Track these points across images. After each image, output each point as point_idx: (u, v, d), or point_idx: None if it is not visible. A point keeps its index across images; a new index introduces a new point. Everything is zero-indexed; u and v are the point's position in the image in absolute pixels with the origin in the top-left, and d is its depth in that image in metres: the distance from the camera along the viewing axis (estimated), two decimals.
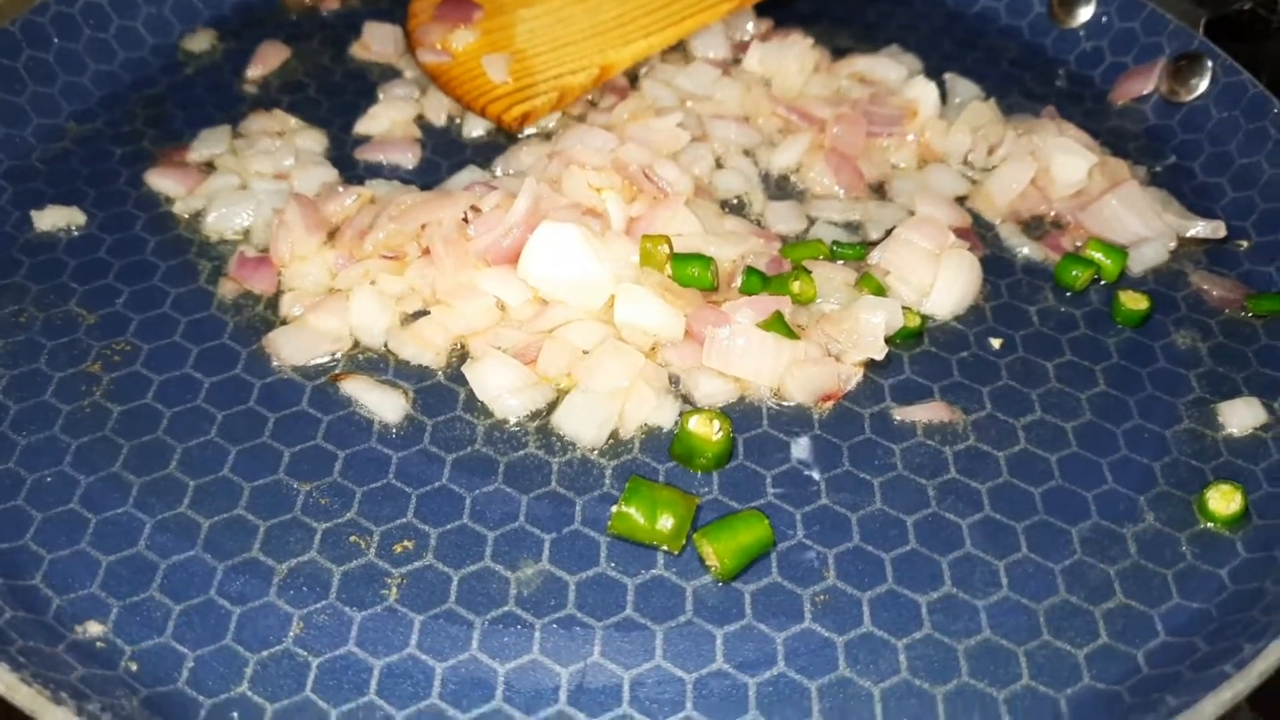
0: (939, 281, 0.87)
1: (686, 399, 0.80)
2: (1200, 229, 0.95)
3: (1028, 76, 1.14)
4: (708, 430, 0.74)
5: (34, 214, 0.91)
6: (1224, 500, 0.74)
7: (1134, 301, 0.88)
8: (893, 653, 0.67)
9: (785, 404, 0.80)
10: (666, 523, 0.70)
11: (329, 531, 0.71)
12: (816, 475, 0.76)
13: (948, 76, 1.11)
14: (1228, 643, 0.65)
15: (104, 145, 1.00)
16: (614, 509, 0.71)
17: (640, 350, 0.80)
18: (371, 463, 0.75)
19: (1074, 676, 0.66)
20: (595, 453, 0.76)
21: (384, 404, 0.78)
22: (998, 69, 1.15)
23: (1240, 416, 0.81)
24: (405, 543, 0.71)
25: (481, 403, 0.79)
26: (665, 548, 0.70)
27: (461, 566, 0.70)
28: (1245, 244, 0.95)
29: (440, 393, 0.80)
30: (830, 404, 0.80)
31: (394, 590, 0.68)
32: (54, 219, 0.91)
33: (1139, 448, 0.79)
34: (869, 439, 0.78)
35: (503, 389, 0.78)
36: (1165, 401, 0.82)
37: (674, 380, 0.81)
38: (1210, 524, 0.74)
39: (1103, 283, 0.91)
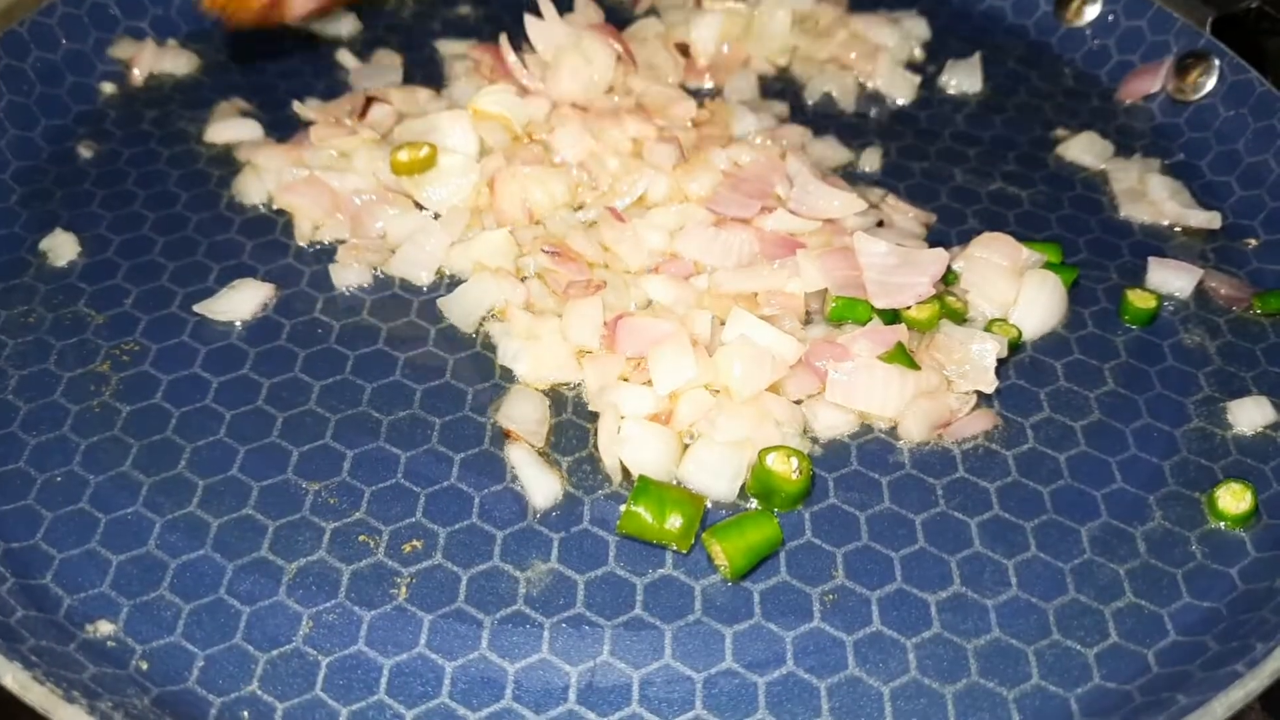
0: (1022, 301, 0.86)
1: (805, 430, 0.78)
2: (1197, 219, 0.96)
3: (1034, 75, 1.14)
4: (786, 468, 0.72)
5: (43, 245, 0.90)
6: (1234, 499, 0.74)
7: (1142, 300, 0.87)
8: (902, 652, 0.67)
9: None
10: (675, 521, 0.69)
11: (338, 531, 0.71)
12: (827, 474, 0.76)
13: (953, 74, 1.12)
14: (1239, 642, 0.65)
15: (112, 146, 1.00)
16: (623, 508, 0.71)
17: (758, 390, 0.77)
18: (380, 462, 0.75)
19: (1084, 676, 0.66)
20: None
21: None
22: (1004, 67, 1.15)
23: (1249, 415, 0.81)
24: (414, 542, 0.71)
25: (488, 404, 0.79)
26: (674, 547, 0.70)
27: (470, 566, 0.70)
28: (1254, 242, 0.95)
29: (448, 393, 0.80)
30: (945, 430, 0.79)
31: (403, 589, 0.68)
32: (62, 246, 0.90)
33: (1148, 447, 0.79)
34: (877, 437, 0.78)
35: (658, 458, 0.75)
36: (1174, 400, 0.82)
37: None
38: (1220, 523, 0.74)
39: (1114, 282, 0.91)
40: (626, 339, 0.79)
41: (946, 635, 0.67)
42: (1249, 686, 0.60)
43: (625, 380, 0.78)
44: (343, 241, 0.91)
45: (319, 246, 0.91)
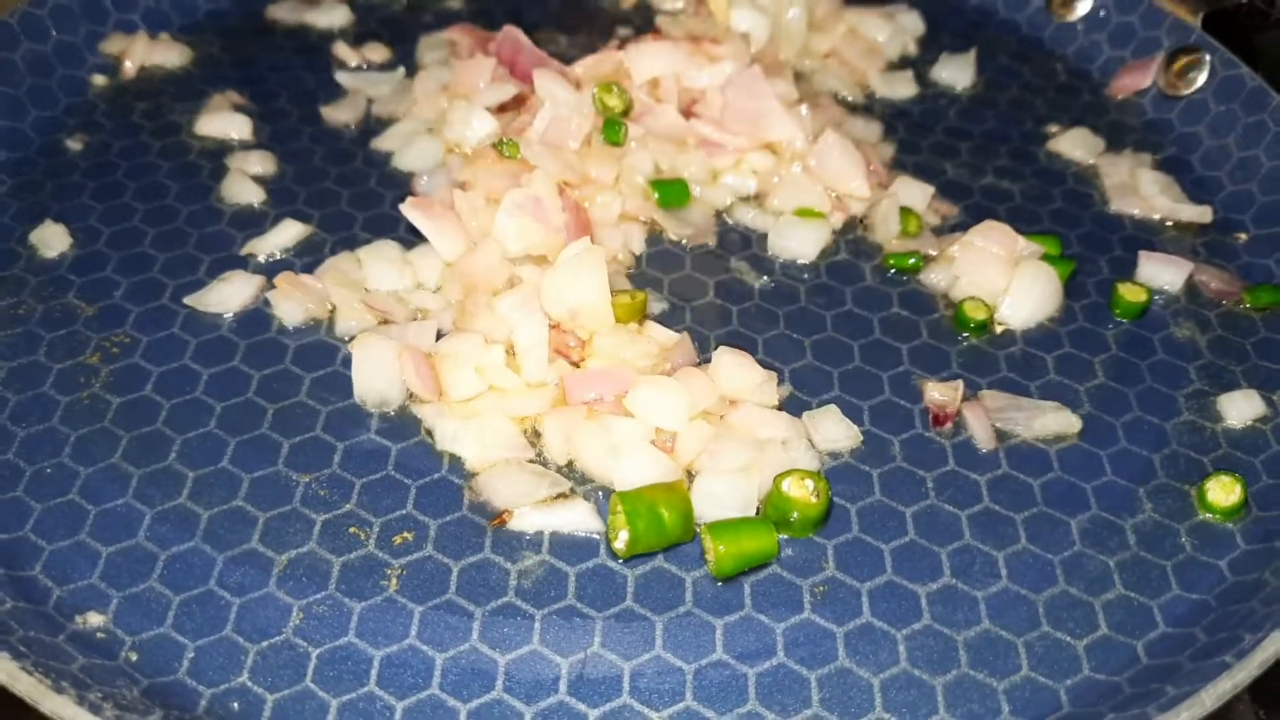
0: (1015, 291, 0.86)
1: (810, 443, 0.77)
2: (1188, 213, 0.96)
3: (1026, 70, 1.14)
4: (804, 492, 0.70)
5: (32, 237, 0.89)
6: (1223, 492, 0.74)
7: (1133, 294, 0.88)
8: (892, 643, 0.67)
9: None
10: (673, 519, 0.69)
11: (328, 523, 0.71)
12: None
13: (945, 69, 1.12)
14: (1227, 633, 0.65)
15: (103, 138, 1.00)
16: (620, 537, 0.69)
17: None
18: (370, 454, 0.75)
19: (1074, 667, 0.66)
20: None
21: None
22: (996, 63, 1.15)
23: (1239, 408, 0.81)
24: (404, 534, 0.71)
25: None
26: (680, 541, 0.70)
27: (461, 558, 0.69)
28: (1244, 236, 0.96)
29: None
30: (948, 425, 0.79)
31: (393, 581, 0.68)
32: (52, 238, 0.89)
33: (1138, 440, 0.79)
34: (868, 430, 0.78)
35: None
36: (1164, 394, 0.82)
37: None
38: (1209, 515, 0.74)
39: (1104, 276, 0.92)
40: (578, 389, 0.76)
41: (937, 627, 0.67)
42: (1237, 677, 0.60)
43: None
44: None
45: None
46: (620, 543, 0.69)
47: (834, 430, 0.77)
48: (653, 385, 0.75)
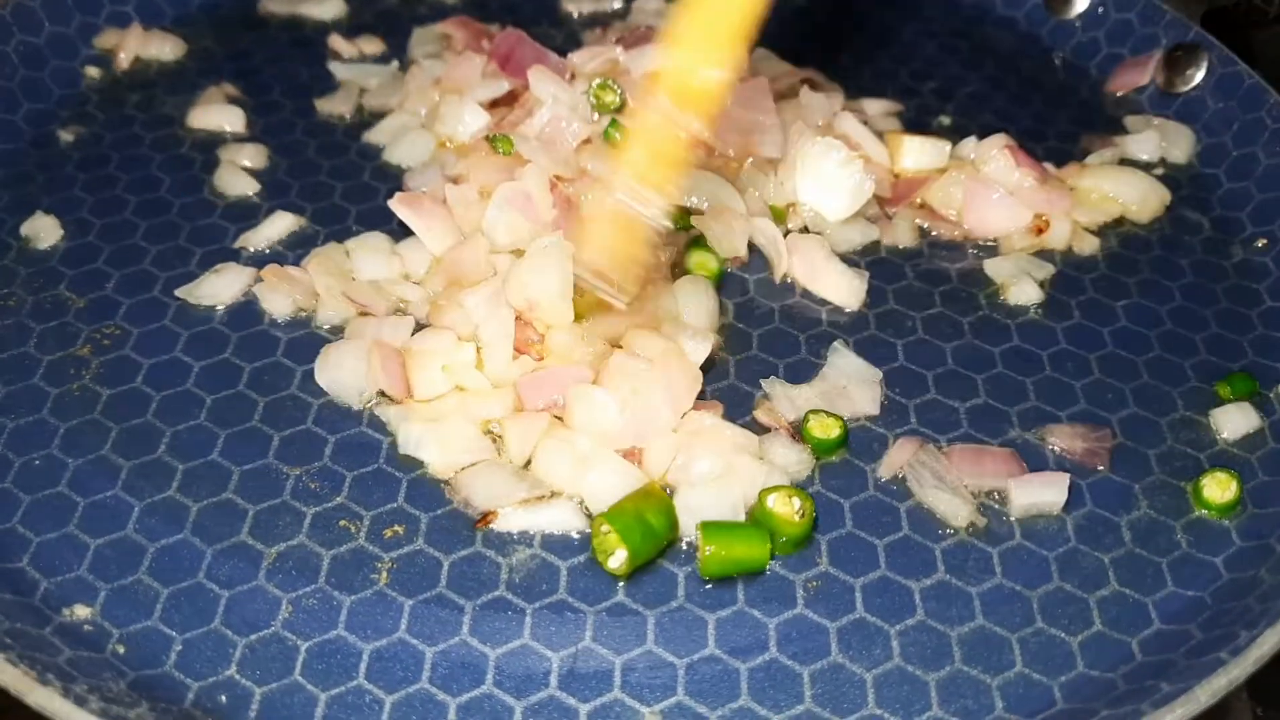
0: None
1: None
2: None
3: (1024, 67, 1.14)
4: (789, 510, 0.69)
5: (24, 228, 0.89)
6: (1219, 488, 0.74)
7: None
8: (885, 639, 0.66)
9: None
10: (660, 523, 0.68)
11: (318, 516, 0.71)
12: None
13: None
14: (1223, 630, 0.65)
15: (95, 130, 0.99)
16: (617, 555, 0.67)
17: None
18: (361, 447, 0.75)
19: (1068, 664, 0.66)
20: None
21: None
22: (993, 60, 1.14)
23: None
24: (395, 527, 0.70)
25: None
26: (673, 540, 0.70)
27: (452, 551, 0.69)
28: (1264, 243, 0.94)
29: None
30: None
31: (384, 574, 0.68)
32: (43, 230, 0.89)
33: (1134, 436, 0.79)
34: (863, 425, 0.78)
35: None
36: (1161, 390, 0.82)
37: None
38: (1205, 512, 0.74)
39: (1100, 276, 0.91)
40: (532, 394, 0.74)
41: (930, 623, 0.67)
42: (1232, 674, 0.60)
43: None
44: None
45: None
46: (617, 562, 0.67)
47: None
48: (584, 396, 0.73)
